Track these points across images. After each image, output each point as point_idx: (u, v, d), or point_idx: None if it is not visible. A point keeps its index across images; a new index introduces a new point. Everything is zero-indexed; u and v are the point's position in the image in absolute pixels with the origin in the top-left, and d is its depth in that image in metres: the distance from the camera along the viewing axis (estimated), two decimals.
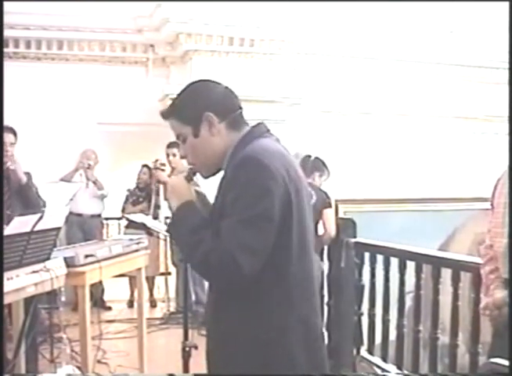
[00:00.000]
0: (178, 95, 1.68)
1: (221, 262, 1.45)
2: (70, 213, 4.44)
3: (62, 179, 5.69)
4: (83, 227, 5.87)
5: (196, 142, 1.62)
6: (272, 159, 1.51)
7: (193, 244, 1.52)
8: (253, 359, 1.52)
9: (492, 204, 2.39)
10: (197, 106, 1.61)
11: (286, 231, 1.51)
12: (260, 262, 1.47)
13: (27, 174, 3.83)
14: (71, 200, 5.05)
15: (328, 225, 4.16)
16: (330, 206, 4.25)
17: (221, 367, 1.59)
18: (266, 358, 1.51)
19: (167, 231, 1.65)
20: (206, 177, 1.70)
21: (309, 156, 4.43)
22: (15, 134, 3.73)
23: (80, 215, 5.83)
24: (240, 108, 1.67)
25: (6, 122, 3.78)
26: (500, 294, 2.23)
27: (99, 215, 6.15)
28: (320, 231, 4.23)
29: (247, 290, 1.51)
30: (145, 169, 6.23)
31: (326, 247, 4.34)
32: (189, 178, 1.68)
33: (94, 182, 5.96)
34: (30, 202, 3.72)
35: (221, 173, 1.66)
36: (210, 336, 1.66)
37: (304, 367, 1.54)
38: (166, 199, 3.60)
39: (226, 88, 1.67)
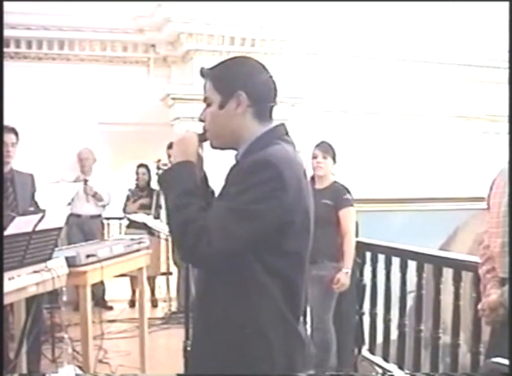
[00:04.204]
0: (226, 61, 1.68)
1: (195, 234, 1.47)
2: (70, 214, 4.44)
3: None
4: (82, 228, 5.86)
5: (218, 113, 1.62)
6: (289, 170, 1.52)
7: (179, 206, 1.53)
8: (232, 350, 1.55)
9: (488, 205, 2.39)
10: (235, 81, 1.60)
11: (281, 238, 1.52)
12: (234, 250, 1.48)
13: (30, 175, 3.84)
14: (72, 200, 5.07)
15: None
16: None
17: (201, 355, 1.62)
18: (244, 350, 1.54)
19: (158, 180, 1.64)
20: (213, 147, 1.69)
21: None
22: (16, 134, 3.72)
23: (79, 215, 5.81)
24: (274, 102, 1.66)
25: (7, 122, 3.77)
26: (495, 295, 2.24)
27: (99, 216, 6.14)
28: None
29: (234, 281, 1.54)
30: (143, 169, 6.24)
31: None
32: (202, 139, 1.68)
33: (93, 196, 5.96)
34: None
35: (228, 156, 1.67)
36: (195, 322, 1.70)
37: (282, 365, 1.55)
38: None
39: (271, 77, 1.66)
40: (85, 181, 5.87)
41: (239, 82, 1.60)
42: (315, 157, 3.92)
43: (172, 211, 1.56)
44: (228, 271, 1.53)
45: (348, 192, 3.88)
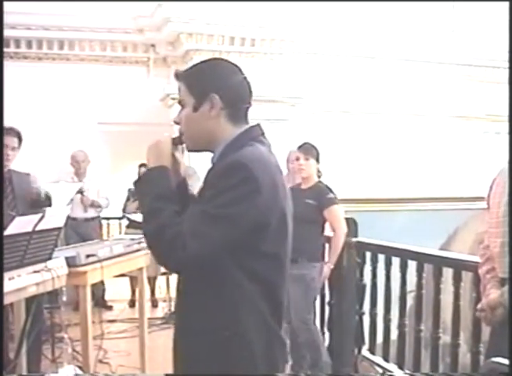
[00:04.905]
0: (200, 63, 1.67)
1: (172, 239, 1.46)
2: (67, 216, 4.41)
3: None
4: (78, 230, 5.80)
5: (192, 116, 1.61)
6: (263, 172, 1.51)
7: (154, 211, 1.53)
8: (214, 353, 1.55)
9: (488, 204, 2.39)
10: (209, 83, 1.59)
11: (258, 240, 1.52)
12: (209, 254, 1.48)
13: (28, 175, 3.83)
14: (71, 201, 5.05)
15: None
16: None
17: (184, 359, 1.63)
18: (226, 353, 1.54)
19: (134, 186, 1.63)
20: (189, 150, 1.69)
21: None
22: (20, 138, 3.69)
23: (74, 219, 5.77)
24: (249, 104, 1.66)
25: (7, 122, 3.76)
26: (494, 294, 2.24)
27: (96, 217, 6.09)
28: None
29: (214, 284, 1.53)
30: (144, 169, 6.22)
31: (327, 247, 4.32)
32: (177, 142, 1.67)
33: (91, 206, 5.94)
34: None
35: (207, 157, 1.66)
36: (177, 325, 1.68)
37: (264, 368, 1.55)
38: None
39: (245, 78, 1.65)
40: (81, 192, 5.82)
41: (212, 85, 1.59)
42: (297, 159, 3.95)
43: (146, 217, 1.55)
44: (207, 275, 1.52)
45: (331, 191, 3.92)
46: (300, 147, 3.96)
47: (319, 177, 4.00)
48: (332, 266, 3.96)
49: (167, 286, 6.06)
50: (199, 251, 1.46)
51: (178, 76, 1.65)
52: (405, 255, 3.81)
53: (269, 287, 1.56)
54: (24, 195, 3.72)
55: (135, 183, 1.64)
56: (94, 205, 5.94)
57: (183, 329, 1.64)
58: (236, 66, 1.65)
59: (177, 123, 1.67)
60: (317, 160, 3.96)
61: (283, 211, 1.58)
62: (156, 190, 1.56)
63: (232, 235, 1.48)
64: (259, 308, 1.54)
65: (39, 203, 3.72)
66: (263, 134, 1.65)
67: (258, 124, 1.66)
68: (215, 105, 1.58)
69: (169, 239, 1.47)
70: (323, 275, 3.93)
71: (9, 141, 3.64)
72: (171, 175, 1.61)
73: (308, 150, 3.93)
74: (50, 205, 3.77)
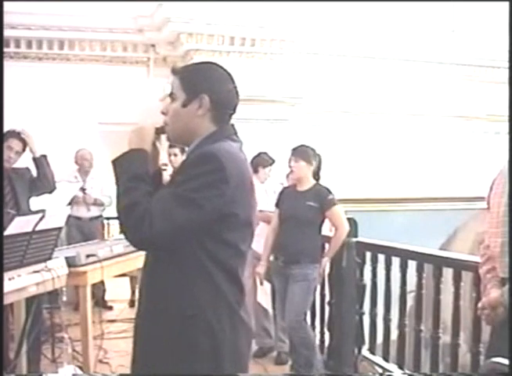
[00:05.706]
0: (198, 63, 1.83)
1: (140, 216, 1.55)
2: (69, 215, 4.42)
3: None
4: (82, 230, 5.81)
5: (179, 110, 1.70)
6: (232, 164, 1.60)
7: (127, 189, 1.61)
8: (176, 333, 1.61)
9: (488, 205, 2.40)
10: (202, 84, 1.69)
11: (221, 228, 1.61)
12: (174, 233, 1.56)
13: (27, 168, 3.84)
14: (72, 201, 5.04)
15: None
16: None
17: (146, 339, 1.69)
18: (188, 332, 1.60)
19: (112, 164, 1.69)
20: (169, 141, 1.81)
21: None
22: (24, 143, 3.70)
23: (79, 218, 5.78)
24: (234, 111, 1.75)
25: (8, 123, 3.76)
26: (495, 293, 2.24)
27: (99, 217, 6.11)
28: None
29: (177, 264, 1.61)
30: None
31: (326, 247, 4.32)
32: (159, 132, 1.75)
33: (94, 204, 5.94)
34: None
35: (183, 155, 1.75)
36: (140, 306, 1.77)
37: (226, 346, 1.61)
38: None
39: (235, 88, 1.75)
40: (83, 190, 5.81)
41: (205, 86, 1.69)
42: (290, 161, 4.00)
43: (121, 194, 1.63)
44: (171, 255, 1.61)
45: (330, 192, 3.95)
46: (293, 149, 4.02)
47: (316, 180, 4.01)
48: (329, 259, 4.02)
49: None
50: (164, 230, 1.54)
51: (175, 71, 1.76)
52: (405, 255, 3.81)
53: (231, 272, 1.65)
54: (25, 192, 3.73)
55: (114, 162, 1.68)
56: (97, 203, 5.94)
57: (146, 309, 1.71)
58: (230, 74, 1.75)
59: (164, 113, 1.75)
60: (309, 162, 3.96)
61: (250, 205, 1.68)
62: (133, 170, 1.63)
63: (197, 218, 1.56)
64: (221, 290, 1.62)
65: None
66: (236, 133, 1.76)
67: (232, 124, 1.76)
68: (204, 105, 1.68)
69: (138, 216, 1.55)
70: (322, 266, 3.96)
71: (15, 144, 3.65)
72: (147, 158, 1.68)
73: (299, 152, 3.97)
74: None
